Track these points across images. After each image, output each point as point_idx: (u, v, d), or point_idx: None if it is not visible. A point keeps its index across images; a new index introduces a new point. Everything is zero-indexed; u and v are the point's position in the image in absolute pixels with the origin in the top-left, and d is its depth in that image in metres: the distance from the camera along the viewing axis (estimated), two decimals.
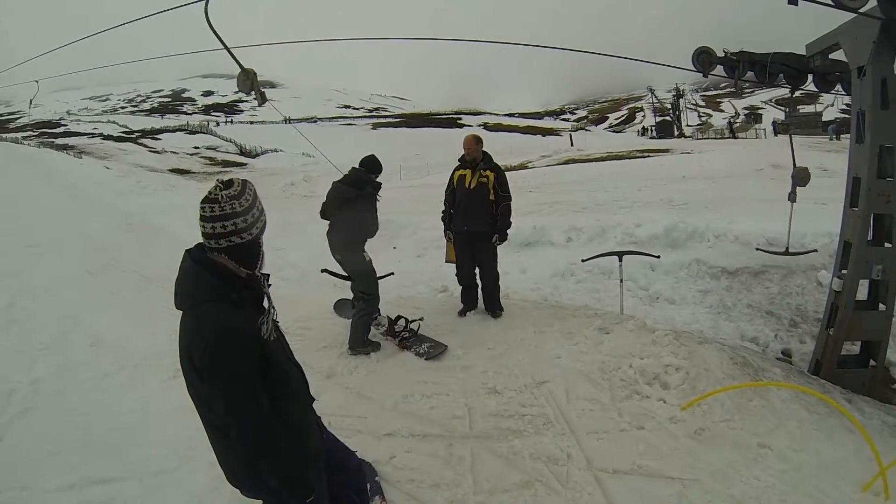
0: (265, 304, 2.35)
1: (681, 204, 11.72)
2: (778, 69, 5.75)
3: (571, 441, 4.03)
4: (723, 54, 5.81)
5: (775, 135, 51.09)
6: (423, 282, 8.33)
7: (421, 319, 6.30)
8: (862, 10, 4.50)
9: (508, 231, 6.52)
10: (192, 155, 42.77)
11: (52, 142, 45.29)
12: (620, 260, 6.55)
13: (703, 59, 5.83)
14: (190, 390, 2.26)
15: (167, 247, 10.50)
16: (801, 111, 67.37)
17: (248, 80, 5.88)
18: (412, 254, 9.99)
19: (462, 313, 6.70)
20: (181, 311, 2.27)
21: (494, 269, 6.56)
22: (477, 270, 6.64)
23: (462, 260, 6.67)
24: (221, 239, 2.17)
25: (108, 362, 6.17)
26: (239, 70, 5.79)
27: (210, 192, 2.18)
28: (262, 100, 6.16)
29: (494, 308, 6.56)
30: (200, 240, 2.25)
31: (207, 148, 48.14)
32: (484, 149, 6.67)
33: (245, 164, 39.26)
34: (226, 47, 5.77)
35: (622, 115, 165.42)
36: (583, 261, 7.30)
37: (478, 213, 6.41)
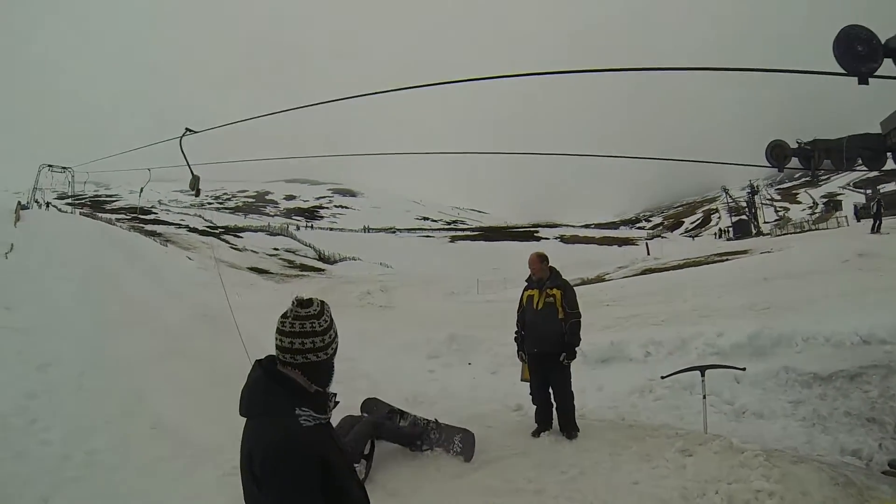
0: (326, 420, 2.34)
1: (763, 308, 11.20)
2: (855, 153, 5.51)
3: None
4: (796, 145, 5.67)
5: (858, 220, 48.66)
6: (498, 399, 8.18)
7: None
8: None
9: (577, 348, 6.40)
10: (271, 256, 44.13)
11: (142, 227, 47.72)
12: (703, 375, 6.22)
13: (777, 153, 5.71)
14: (247, 499, 2.22)
15: (239, 343, 10.81)
16: (882, 191, 64.92)
17: (194, 181, 8.60)
18: (487, 370, 9.92)
19: (536, 434, 6.48)
20: (245, 419, 2.28)
21: (568, 389, 6.39)
22: (551, 390, 6.47)
23: (535, 379, 6.56)
24: (298, 355, 2.21)
25: (165, 447, 6.28)
26: (191, 175, 8.54)
27: (290, 309, 2.24)
28: (197, 194, 8.80)
29: (569, 429, 6.33)
30: (273, 342, 2.28)
31: (287, 250, 49.63)
32: (552, 265, 6.67)
33: (323, 270, 40.16)
34: (192, 171, 8.52)
35: (697, 219, 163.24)
36: (662, 377, 6.98)
37: (547, 334, 6.36)
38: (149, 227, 49.73)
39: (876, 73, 4.29)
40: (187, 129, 8.45)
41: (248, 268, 31.35)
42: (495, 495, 5.08)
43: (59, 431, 6.28)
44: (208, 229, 59.32)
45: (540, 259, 6.65)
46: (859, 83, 4.40)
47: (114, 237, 28.24)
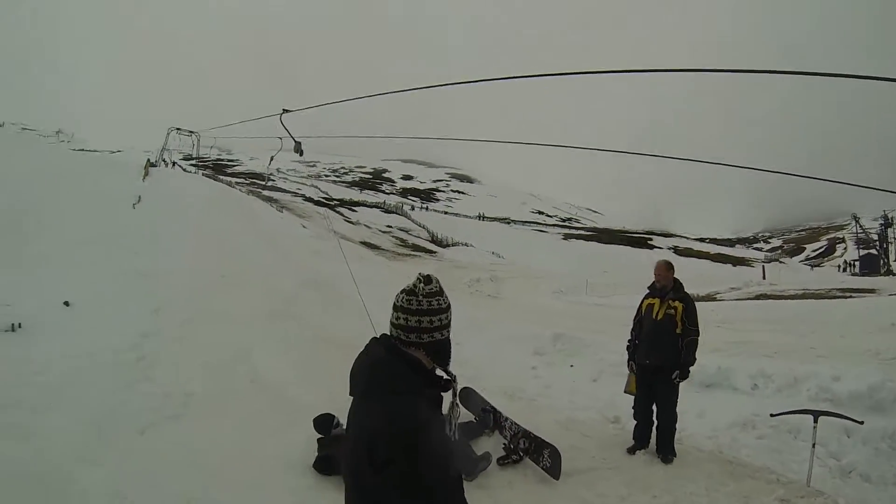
0: (453, 401, 2.38)
1: (890, 358, 10.52)
2: None
3: None
4: None
5: None
6: (596, 408, 8.15)
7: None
8: None
9: (691, 368, 6.30)
10: (384, 232, 44.70)
11: (260, 192, 49.39)
12: (815, 420, 5.92)
13: None
14: (352, 479, 2.16)
15: (346, 312, 11.08)
16: None
17: (297, 145, 10.41)
18: (588, 376, 9.83)
19: (631, 450, 6.44)
20: (356, 398, 2.26)
21: (673, 408, 6.30)
22: (654, 407, 6.41)
23: (641, 394, 6.51)
24: (424, 334, 2.19)
25: (262, 402, 6.57)
26: (294, 142, 10.41)
27: (415, 286, 2.23)
28: (301, 154, 10.66)
29: (666, 451, 6.26)
30: (390, 318, 2.28)
31: (400, 229, 50.05)
32: (675, 275, 6.54)
33: (434, 253, 40.53)
34: (294, 139, 10.36)
35: (820, 247, 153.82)
36: (772, 415, 6.64)
37: (662, 346, 6.26)
38: (266, 193, 51.06)
39: None
40: (284, 109, 9.55)
41: (361, 242, 31.86)
42: None
43: (163, 371, 6.81)
44: (324, 200, 60.64)
45: (667, 267, 6.56)
46: None
47: (233, 199, 28.61)
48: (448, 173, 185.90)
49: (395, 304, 2.25)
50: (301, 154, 10.46)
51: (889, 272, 66.43)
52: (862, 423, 6.23)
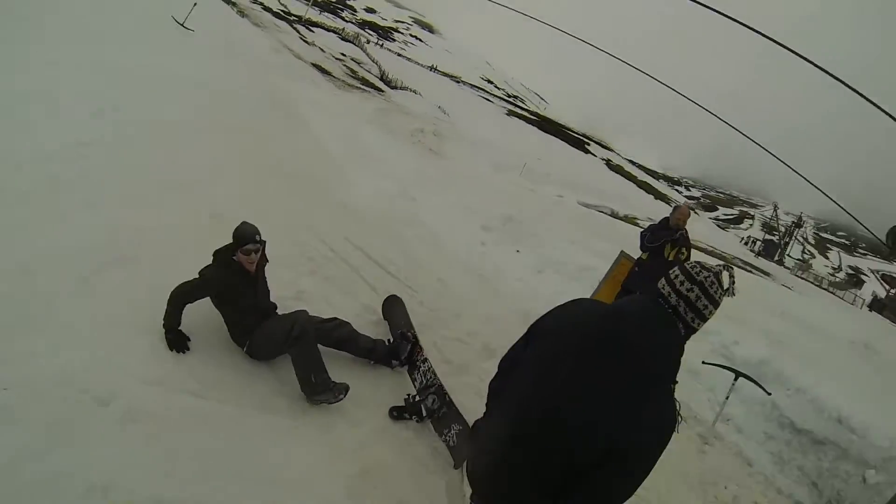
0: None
1: (776, 341, 11.29)
2: None
3: None
4: None
5: (871, 310, 47.59)
6: (542, 300, 8.13)
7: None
8: None
9: None
10: (337, 59, 42.57)
11: None
12: (735, 380, 6.59)
13: None
14: (543, 438, 1.89)
15: (303, 139, 10.93)
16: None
17: None
18: (534, 267, 10.01)
19: None
20: (616, 375, 1.82)
21: None
22: None
23: None
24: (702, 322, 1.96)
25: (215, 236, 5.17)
26: None
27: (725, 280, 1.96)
28: None
29: None
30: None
31: (353, 59, 47.76)
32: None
33: (383, 91, 39.16)
34: None
35: (731, 215, 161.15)
36: (703, 363, 7.28)
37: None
38: None
39: None
40: None
41: (312, 63, 30.14)
42: None
43: (109, 192, 5.56)
44: (282, 13, 56.54)
45: (689, 215, 7.03)
46: None
47: None
48: (411, 17, 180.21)
49: (700, 282, 1.94)
50: None
51: (781, 263, 70.91)
52: (770, 394, 7.10)
